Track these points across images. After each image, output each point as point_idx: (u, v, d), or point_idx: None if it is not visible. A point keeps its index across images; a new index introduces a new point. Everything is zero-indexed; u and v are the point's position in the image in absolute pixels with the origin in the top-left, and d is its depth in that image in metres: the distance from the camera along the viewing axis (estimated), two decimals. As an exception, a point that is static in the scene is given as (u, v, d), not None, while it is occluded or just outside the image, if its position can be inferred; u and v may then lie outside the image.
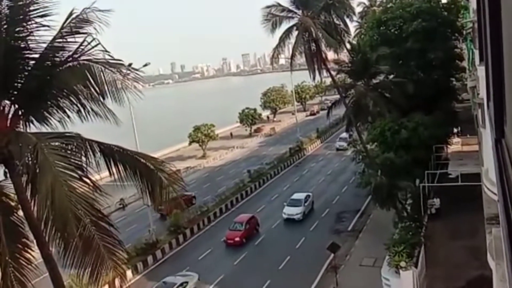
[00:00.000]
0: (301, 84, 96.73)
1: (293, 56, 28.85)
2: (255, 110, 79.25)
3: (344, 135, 57.94)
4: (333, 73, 30.39)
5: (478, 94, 18.59)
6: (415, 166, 27.12)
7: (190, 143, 66.48)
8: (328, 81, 36.68)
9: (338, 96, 32.30)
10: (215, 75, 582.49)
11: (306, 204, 36.31)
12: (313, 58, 28.04)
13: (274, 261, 28.06)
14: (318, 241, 29.54)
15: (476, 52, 17.94)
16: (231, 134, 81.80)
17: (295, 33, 28.03)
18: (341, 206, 36.99)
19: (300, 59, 30.25)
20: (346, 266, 25.99)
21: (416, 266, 19.70)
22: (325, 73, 29.30)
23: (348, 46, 31.57)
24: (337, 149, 57.89)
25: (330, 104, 37.36)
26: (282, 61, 43.53)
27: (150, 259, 30.62)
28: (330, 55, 30.08)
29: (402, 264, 19.15)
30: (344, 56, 32.83)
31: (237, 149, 68.94)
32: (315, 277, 25.41)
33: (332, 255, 25.13)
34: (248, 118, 77.40)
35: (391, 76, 31.96)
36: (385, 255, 21.00)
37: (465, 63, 32.44)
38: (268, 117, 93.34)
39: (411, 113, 28.68)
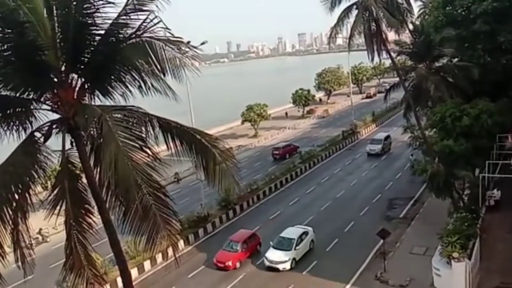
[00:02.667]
0: (358, 65, 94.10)
1: (351, 36, 28.03)
2: (308, 91, 78.21)
3: (378, 136, 51.27)
4: (393, 54, 29.27)
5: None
6: (475, 155, 25.81)
7: (242, 122, 67.13)
8: (387, 63, 35.51)
9: (397, 79, 31.20)
10: (270, 55, 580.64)
11: (298, 247, 26.27)
12: (372, 39, 27.11)
13: (321, 243, 28.09)
14: (367, 226, 29.21)
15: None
16: (286, 113, 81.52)
17: (354, 12, 27.16)
18: (394, 193, 36.17)
19: (359, 39, 29.35)
20: (396, 253, 25.58)
21: (469, 258, 19.00)
22: (384, 55, 28.24)
23: (411, 26, 30.17)
24: (368, 154, 48.81)
25: (388, 87, 36.15)
26: (339, 41, 42.43)
27: (201, 231, 31.74)
28: (391, 35, 28.92)
29: (455, 255, 18.54)
30: (406, 37, 31.48)
31: (289, 129, 68.79)
32: (362, 261, 25.23)
33: (382, 241, 24.77)
34: (301, 99, 76.65)
35: (455, 60, 30.34)
36: (437, 245, 20.41)
37: (539, 48, 30.01)
38: (320, 99, 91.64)
39: (475, 99, 27.18)
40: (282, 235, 27.17)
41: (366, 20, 26.82)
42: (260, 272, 25.88)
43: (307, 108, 79.75)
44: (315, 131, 66.51)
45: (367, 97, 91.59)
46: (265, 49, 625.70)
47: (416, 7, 36.31)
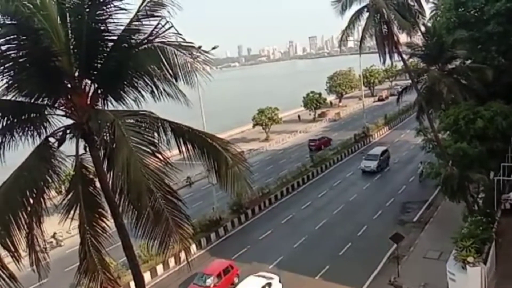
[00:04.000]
0: (370, 68, 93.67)
1: (362, 38, 27.85)
2: (320, 94, 78.02)
3: (374, 151, 46.12)
4: (405, 57, 29.05)
5: None
6: (490, 158, 25.47)
7: (254, 126, 67.18)
8: (399, 65, 35.32)
9: (409, 81, 30.95)
10: (281, 58, 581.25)
11: None
12: (384, 41, 26.91)
13: (333, 248, 27.94)
14: (381, 230, 28.96)
15: None
16: (299, 117, 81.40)
17: (365, 14, 27.00)
18: (407, 196, 35.82)
19: (370, 42, 29.15)
20: (409, 257, 25.30)
21: (485, 263, 18.70)
22: (396, 57, 28.02)
23: (423, 28, 29.95)
24: (363, 171, 43.99)
25: (400, 90, 35.90)
26: (350, 43, 42.13)
27: (213, 235, 31.79)
28: (403, 38, 28.68)
29: (470, 259, 18.24)
30: (418, 39, 31.25)
31: (300, 133, 68.65)
32: (376, 265, 25.01)
33: (395, 245, 24.53)
34: (313, 102, 76.41)
35: (468, 62, 30.01)
36: (452, 249, 20.13)
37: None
38: (330, 102, 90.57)
39: (489, 102, 26.85)
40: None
41: (378, 23, 26.66)
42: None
43: (318, 112, 79.53)
44: (326, 135, 66.10)
45: (379, 100, 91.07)
46: (276, 52, 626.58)
47: (427, 9, 36.06)
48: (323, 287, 23.72)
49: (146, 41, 9.56)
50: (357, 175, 44.01)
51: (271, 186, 39.98)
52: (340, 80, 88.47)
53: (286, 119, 77.56)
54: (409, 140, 50.68)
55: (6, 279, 8.26)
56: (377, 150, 46.45)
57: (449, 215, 28.08)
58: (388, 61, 28.52)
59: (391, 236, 24.50)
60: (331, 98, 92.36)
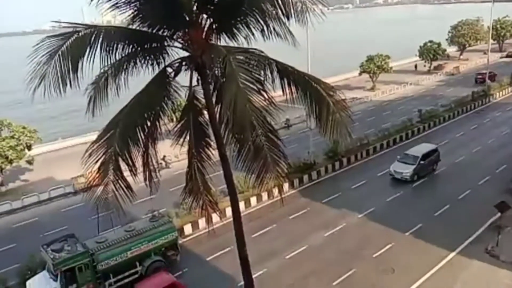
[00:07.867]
0: (502, 19, 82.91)
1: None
2: (439, 44, 71.45)
3: (414, 150, 32.56)
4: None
5: None
6: None
7: (360, 73, 64.06)
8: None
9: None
10: (400, 2, 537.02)
11: None
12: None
13: (429, 207, 26.98)
14: (485, 196, 27.11)
15: None
16: (415, 66, 76.36)
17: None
18: (523, 165, 32.58)
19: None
20: (513, 229, 23.54)
21: None
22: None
23: None
24: (392, 176, 31.64)
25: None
26: (483, -11, 37.45)
27: (305, 178, 32.42)
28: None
29: None
30: None
31: (410, 85, 64.49)
32: (473, 232, 23.77)
33: (499, 214, 22.92)
34: (429, 53, 70.48)
35: None
36: None
37: None
38: (448, 55, 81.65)
39: None
40: None
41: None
42: (363, 223, 25.87)
43: (434, 64, 73.48)
44: (440, 89, 61.56)
45: (507, 56, 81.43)
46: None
47: None
48: (412, 244, 23.26)
49: (262, -23, 9.58)
50: (467, 136, 40.79)
51: (371, 138, 38.93)
52: (464, 31, 79.98)
53: (397, 68, 72.81)
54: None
55: (124, 188, 9.53)
56: (419, 149, 32.94)
57: None
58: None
59: (496, 204, 22.89)
60: (451, 49, 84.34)
